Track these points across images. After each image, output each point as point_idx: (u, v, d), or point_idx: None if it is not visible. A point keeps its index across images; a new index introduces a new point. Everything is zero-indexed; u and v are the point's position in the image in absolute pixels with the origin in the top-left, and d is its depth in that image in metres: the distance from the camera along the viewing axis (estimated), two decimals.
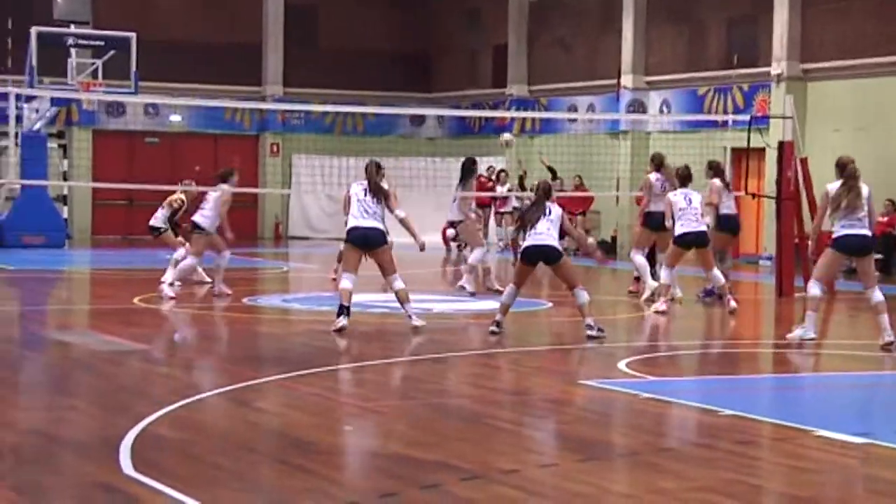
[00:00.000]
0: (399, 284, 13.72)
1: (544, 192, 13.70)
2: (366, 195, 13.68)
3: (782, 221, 19.75)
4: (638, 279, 18.33)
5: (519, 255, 14.16)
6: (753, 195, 23.44)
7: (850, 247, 13.23)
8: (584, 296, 13.42)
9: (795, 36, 26.14)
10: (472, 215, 18.84)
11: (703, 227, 16.45)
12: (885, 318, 13.18)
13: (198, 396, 9.77)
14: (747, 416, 9.35)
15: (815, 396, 11.20)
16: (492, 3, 34.12)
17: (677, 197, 16.35)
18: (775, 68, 26.26)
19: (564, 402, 10.13)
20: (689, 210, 16.22)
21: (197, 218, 17.34)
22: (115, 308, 16.46)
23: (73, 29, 28.36)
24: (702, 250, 16.43)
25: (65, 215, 29.75)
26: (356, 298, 16.11)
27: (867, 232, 13.23)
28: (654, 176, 17.81)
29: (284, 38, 34.70)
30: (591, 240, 19.67)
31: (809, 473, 7.61)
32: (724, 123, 25.02)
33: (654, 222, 17.38)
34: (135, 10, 31.55)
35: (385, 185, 13.90)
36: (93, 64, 28.36)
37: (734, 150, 26.03)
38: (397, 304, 14.07)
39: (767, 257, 24.28)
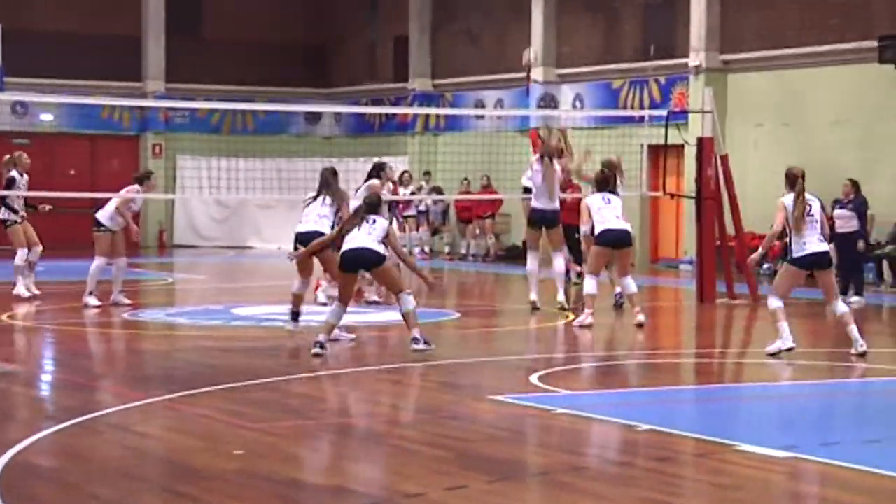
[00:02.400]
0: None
1: (368, 207, 13.43)
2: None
3: (703, 223, 19.92)
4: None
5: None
6: (672, 195, 23.72)
7: (810, 264, 13.43)
8: (409, 302, 13.16)
9: (714, 25, 26.38)
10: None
11: (627, 227, 16.33)
12: (854, 328, 13.38)
13: (74, 420, 9.63)
14: (667, 430, 9.43)
15: (738, 408, 11.32)
16: None
17: (594, 199, 16.32)
18: (693, 59, 26.47)
19: (473, 419, 10.11)
20: (606, 209, 16.17)
21: (99, 214, 17.51)
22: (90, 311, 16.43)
23: None
24: (624, 251, 16.34)
25: None
26: (249, 311, 16.10)
27: (825, 248, 13.46)
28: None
29: (166, 29, 34.32)
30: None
31: (732, 490, 7.69)
32: (641, 119, 25.22)
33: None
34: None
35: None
36: None
37: (651, 146, 26.15)
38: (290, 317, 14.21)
39: (688, 261, 24.51)
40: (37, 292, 18.57)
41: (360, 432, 9.58)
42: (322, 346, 13.05)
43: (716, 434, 9.29)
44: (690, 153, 21.65)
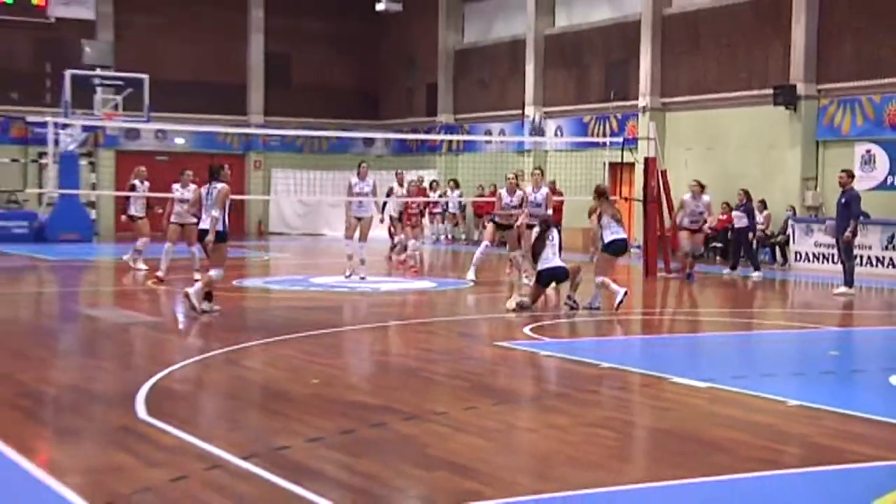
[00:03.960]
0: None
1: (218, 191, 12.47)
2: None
3: (648, 219, 19.90)
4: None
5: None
6: (626, 199, 23.72)
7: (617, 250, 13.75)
8: (216, 274, 12.52)
9: (657, 77, 26.35)
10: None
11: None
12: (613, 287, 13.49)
13: (197, 357, 9.68)
14: (622, 367, 9.42)
15: (672, 352, 11.28)
16: (425, 51, 34.04)
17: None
18: (642, 101, 26.45)
19: (482, 359, 10.10)
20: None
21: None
22: (133, 289, 16.28)
23: (98, 72, 28.08)
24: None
25: (93, 217, 29.40)
26: (322, 280, 16.06)
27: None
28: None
29: (265, 78, 34.45)
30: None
31: (667, 412, 7.67)
32: (604, 144, 25.13)
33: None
34: (148, 57, 31.15)
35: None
36: (114, 99, 28.06)
37: (611, 164, 26.15)
38: (355, 285, 14.11)
39: (637, 247, 24.46)
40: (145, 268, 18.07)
41: (401, 367, 9.56)
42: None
43: (655, 370, 9.25)
44: (639, 169, 21.58)
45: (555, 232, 13.65)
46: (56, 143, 26.80)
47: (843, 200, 16.49)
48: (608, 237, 13.72)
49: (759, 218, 22.80)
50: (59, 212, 27.42)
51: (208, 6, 33.53)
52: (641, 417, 7.68)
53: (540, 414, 7.59)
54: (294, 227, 33.50)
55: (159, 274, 16.46)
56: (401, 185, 21.66)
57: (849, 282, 16.24)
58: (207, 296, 12.64)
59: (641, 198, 20.41)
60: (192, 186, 16.81)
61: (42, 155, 27.86)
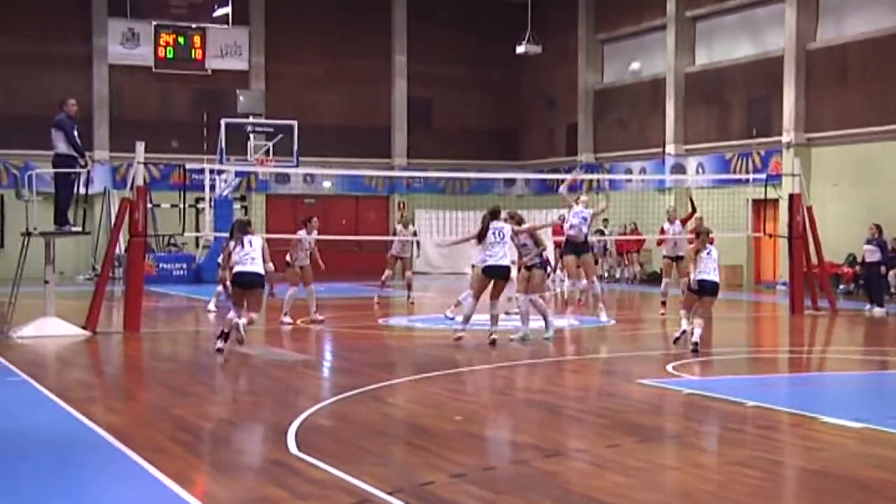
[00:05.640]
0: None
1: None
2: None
3: (794, 255, 19.42)
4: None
5: None
6: (770, 235, 23.20)
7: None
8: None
9: (801, 112, 25.76)
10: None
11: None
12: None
13: (345, 394, 9.84)
14: (768, 406, 9.18)
15: (821, 390, 10.94)
16: (565, 90, 34.07)
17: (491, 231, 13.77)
18: (785, 137, 25.89)
19: (625, 396, 9.98)
20: (498, 244, 13.69)
21: (287, 256, 16.74)
22: (283, 328, 16.69)
23: (251, 119, 29.03)
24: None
25: None
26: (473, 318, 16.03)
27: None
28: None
29: (408, 122, 35.03)
30: None
31: (818, 451, 7.43)
32: (747, 181, 24.67)
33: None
34: (297, 104, 32.09)
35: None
36: (266, 145, 28.94)
37: (755, 201, 25.62)
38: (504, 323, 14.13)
39: (783, 283, 23.84)
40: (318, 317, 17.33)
41: (543, 405, 9.51)
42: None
43: (805, 409, 9.00)
44: (784, 205, 21.10)
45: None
46: (212, 188, 27.71)
47: None
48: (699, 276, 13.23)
49: None
50: (214, 254, 28.30)
51: (354, 55, 34.34)
52: (790, 457, 7.46)
53: (683, 452, 7.46)
54: (437, 265, 33.77)
55: (317, 316, 16.67)
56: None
57: None
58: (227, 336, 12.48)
59: (786, 234, 19.93)
60: (315, 233, 17.13)
61: (199, 200, 28.86)
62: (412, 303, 20.57)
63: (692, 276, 13.16)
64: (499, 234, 13.69)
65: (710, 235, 13.52)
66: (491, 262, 13.62)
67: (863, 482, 6.42)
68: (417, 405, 9.51)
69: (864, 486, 6.31)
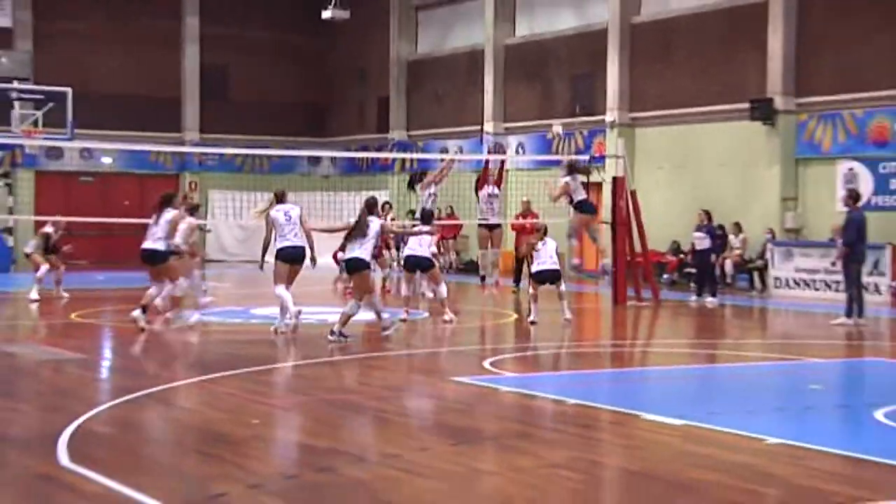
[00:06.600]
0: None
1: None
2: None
3: (616, 243, 19.98)
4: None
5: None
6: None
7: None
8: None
9: (625, 90, 26.56)
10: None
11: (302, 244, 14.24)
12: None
13: (126, 397, 9.58)
14: (588, 403, 9.43)
15: (642, 387, 11.32)
16: (376, 62, 34.14)
17: (277, 213, 14.12)
18: (609, 116, 26.63)
19: (439, 395, 10.10)
20: (287, 226, 14.10)
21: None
22: (55, 323, 16.11)
23: (16, 84, 27.84)
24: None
25: (10, 244, 29.10)
26: (263, 311, 15.98)
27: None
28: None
29: (200, 92, 34.39)
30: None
31: (639, 450, 7.69)
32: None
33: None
34: (72, 69, 30.94)
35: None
36: (34, 114, 27.83)
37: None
38: (317, 314, 14.04)
39: (605, 273, 24.56)
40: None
41: (350, 406, 9.50)
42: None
43: (625, 406, 9.29)
44: (607, 189, 21.71)
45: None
46: None
47: (844, 223, 16.52)
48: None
49: (736, 241, 23.06)
50: None
51: (138, 14, 33.43)
52: (610, 457, 7.69)
53: (501, 455, 7.59)
54: (233, 253, 33.31)
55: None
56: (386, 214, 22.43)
57: (847, 311, 16.22)
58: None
59: (610, 220, 20.45)
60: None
61: None
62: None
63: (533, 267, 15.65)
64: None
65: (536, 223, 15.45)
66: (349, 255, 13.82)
67: (686, 484, 6.69)
68: (209, 408, 9.36)
69: (688, 489, 6.57)
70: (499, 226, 20.80)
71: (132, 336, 14.57)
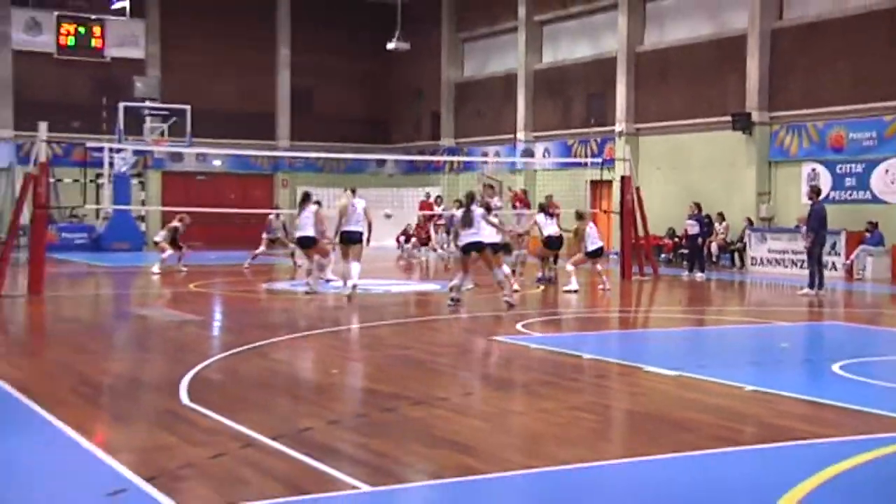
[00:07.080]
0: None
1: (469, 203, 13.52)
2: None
3: (624, 229, 19.91)
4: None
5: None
6: (605, 211, 23.71)
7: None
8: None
9: (631, 105, 26.38)
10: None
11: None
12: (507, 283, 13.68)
13: (233, 350, 9.67)
14: (601, 358, 9.40)
15: (645, 344, 11.26)
16: (430, 83, 34.07)
17: (351, 204, 14.23)
18: (618, 127, 26.47)
19: (480, 351, 10.11)
20: (354, 215, 14.19)
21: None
22: (178, 292, 16.29)
23: (147, 104, 28.19)
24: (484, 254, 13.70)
25: (142, 229, 29.45)
26: (340, 283, 15.91)
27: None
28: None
29: (291, 108, 34.52)
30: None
31: (641, 396, 7.65)
32: (585, 164, 25.15)
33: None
34: (190, 90, 31.22)
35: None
36: (161, 127, 28.16)
37: (592, 182, 26.17)
38: (382, 286, 14.07)
39: (614, 253, 24.46)
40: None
41: (408, 359, 9.52)
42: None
43: (631, 360, 9.24)
44: (616, 186, 21.59)
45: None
46: (111, 165, 26.99)
47: (808, 214, 16.68)
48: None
49: (720, 228, 22.88)
50: (113, 225, 27.55)
51: (243, 47, 33.59)
52: (618, 401, 7.66)
53: (530, 399, 7.57)
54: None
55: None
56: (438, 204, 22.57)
57: (810, 284, 16.35)
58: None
59: (618, 211, 20.44)
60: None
61: (99, 176, 27.96)
62: (299, 266, 20.16)
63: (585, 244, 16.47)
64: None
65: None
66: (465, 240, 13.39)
67: (680, 422, 6.63)
68: (298, 360, 9.43)
69: (681, 426, 6.52)
70: (527, 232, 19.21)
71: (238, 303, 14.74)
